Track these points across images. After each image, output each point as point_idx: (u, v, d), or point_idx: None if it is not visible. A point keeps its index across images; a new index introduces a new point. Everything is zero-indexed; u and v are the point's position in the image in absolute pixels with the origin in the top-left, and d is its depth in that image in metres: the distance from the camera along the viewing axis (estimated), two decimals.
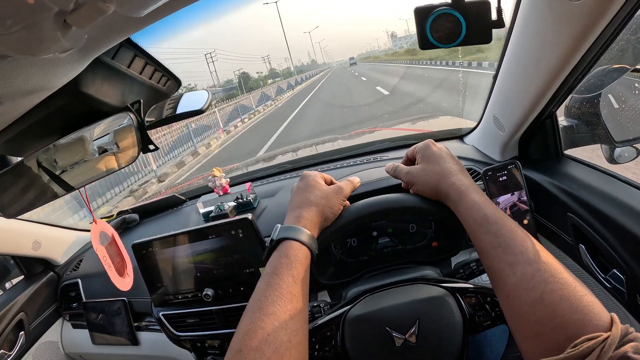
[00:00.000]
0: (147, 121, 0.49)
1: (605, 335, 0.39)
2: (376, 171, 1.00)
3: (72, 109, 0.47)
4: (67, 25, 0.28)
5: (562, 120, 0.87)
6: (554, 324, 0.43)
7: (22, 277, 1.22)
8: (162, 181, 7.93)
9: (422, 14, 0.47)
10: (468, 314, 0.63)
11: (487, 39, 0.48)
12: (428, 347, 0.60)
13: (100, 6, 0.26)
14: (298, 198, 0.65)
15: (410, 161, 0.72)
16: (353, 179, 0.72)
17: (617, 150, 0.82)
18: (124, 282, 0.75)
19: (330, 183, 0.71)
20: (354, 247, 0.87)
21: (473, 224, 0.56)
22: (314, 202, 0.63)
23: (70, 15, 0.27)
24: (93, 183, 0.59)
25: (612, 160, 0.83)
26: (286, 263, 0.54)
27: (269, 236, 0.89)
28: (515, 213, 0.80)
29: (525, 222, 0.80)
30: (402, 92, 12.30)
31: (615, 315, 0.42)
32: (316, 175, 0.68)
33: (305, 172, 0.70)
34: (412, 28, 0.52)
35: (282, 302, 0.50)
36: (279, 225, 0.61)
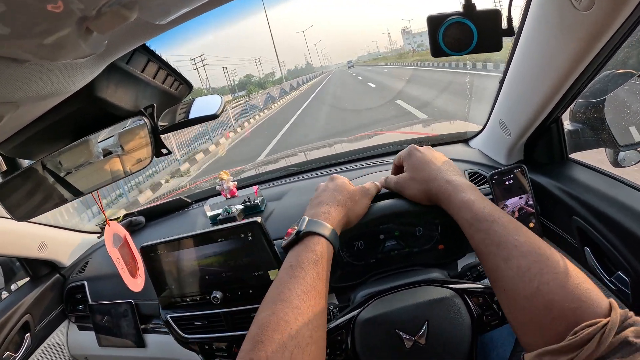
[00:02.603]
0: (161, 125, 0.50)
1: (604, 321, 0.39)
2: (382, 175, 1.01)
3: (86, 113, 0.47)
4: (89, 31, 0.29)
5: (567, 125, 0.87)
6: (553, 314, 0.43)
7: (28, 279, 1.23)
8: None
9: (434, 23, 0.48)
10: (476, 314, 0.63)
11: (498, 47, 0.48)
12: (438, 348, 0.61)
13: (123, 13, 0.27)
14: (327, 195, 0.66)
15: (398, 168, 0.73)
16: (382, 180, 0.75)
17: (621, 154, 0.82)
18: (136, 283, 0.76)
19: None
20: (361, 250, 0.87)
21: (464, 224, 0.57)
22: (341, 203, 0.64)
23: (93, 22, 0.27)
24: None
25: (616, 163, 0.84)
26: (313, 258, 0.54)
27: (278, 239, 0.89)
28: (522, 216, 0.80)
29: (531, 225, 0.80)
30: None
31: (613, 301, 0.42)
32: (345, 179, 0.71)
33: (335, 174, 0.72)
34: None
35: (306, 297, 0.49)
36: (307, 217, 0.60)
